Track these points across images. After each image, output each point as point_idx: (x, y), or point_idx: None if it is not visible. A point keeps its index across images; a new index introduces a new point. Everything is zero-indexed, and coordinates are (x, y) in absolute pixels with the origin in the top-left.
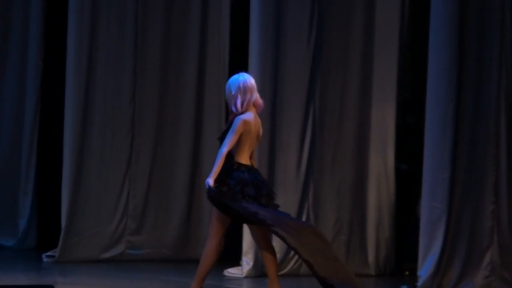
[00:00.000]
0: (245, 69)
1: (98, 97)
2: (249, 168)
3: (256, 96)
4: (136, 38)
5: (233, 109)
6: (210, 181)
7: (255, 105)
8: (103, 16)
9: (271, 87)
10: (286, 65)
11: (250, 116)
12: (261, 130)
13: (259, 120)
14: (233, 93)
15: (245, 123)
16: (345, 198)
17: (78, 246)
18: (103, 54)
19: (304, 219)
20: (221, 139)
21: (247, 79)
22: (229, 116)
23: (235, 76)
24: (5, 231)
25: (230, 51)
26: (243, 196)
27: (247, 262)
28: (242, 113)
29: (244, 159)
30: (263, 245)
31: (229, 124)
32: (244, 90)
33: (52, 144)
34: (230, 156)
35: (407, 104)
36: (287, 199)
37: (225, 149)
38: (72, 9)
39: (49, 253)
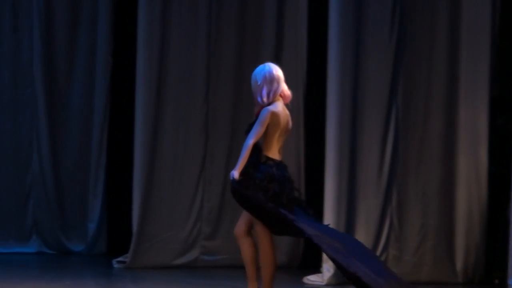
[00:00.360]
0: (324, 66)
1: (170, 95)
2: (277, 163)
3: (284, 86)
4: (209, 32)
5: (259, 100)
6: (235, 173)
7: (282, 96)
8: (175, 9)
9: (351, 85)
10: (367, 62)
11: (277, 107)
12: (290, 123)
13: (287, 112)
14: (258, 83)
15: (273, 114)
16: (431, 202)
17: (150, 251)
18: (175, 50)
19: (387, 224)
20: (247, 132)
21: (272, 68)
22: (255, 108)
23: (260, 66)
24: (74, 235)
25: (308, 47)
26: (267, 191)
27: (327, 269)
28: (268, 104)
29: (272, 152)
30: (242, 239)
31: (255, 116)
32: (271, 80)
33: (123, 143)
34: (258, 149)
35: (496, 103)
36: (369, 203)
37: (250, 141)
38: (142, 2)
39: (120, 259)
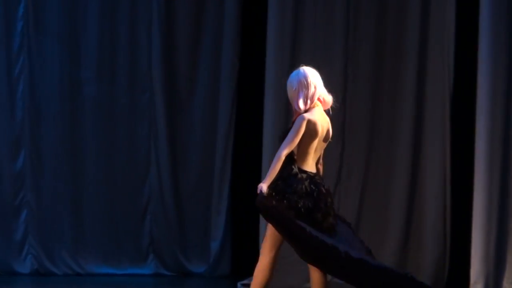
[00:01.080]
0: (473, 69)
1: None
2: (311, 176)
3: (322, 91)
4: (346, 33)
5: (296, 107)
6: (264, 186)
7: (321, 101)
8: (308, 10)
9: (504, 91)
10: None
11: (314, 114)
12: (330, 131)
13: (327, 118)
14: (294, 89)
15: (309, 122)
16: None
17: (278, 273)
18: (308, 53)
19: None
20: (281, 139)
21: (307, 73)
22: (293, 115)
23: (295, 71)
24: (196, 255)
25: (456, 47)
26: (298, 208)
27: None
28: (306, 111)
29: (307, 164)
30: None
31: (291, 124)
32: (307, 85)
33: (250, 155)
34: (291, 160)
35: None
36: None
37: (283, 151)
38: (273, 1)
39: (245, 281)
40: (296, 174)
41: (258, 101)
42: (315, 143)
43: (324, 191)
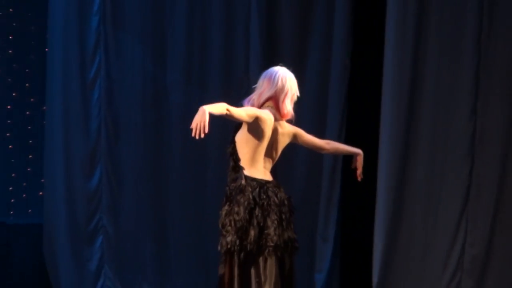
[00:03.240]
0: None
1: (426, 110)
2: (262, 184)
3: (287, 100)
4: (479, 31)
5: (246, 101)
6: (206, 110)
7: (280, 109)
8: (435, 4)
9: None
10: None
11: (270, 115)
12: (287, 139)
13: (287, 130)
14: (260, 83)
15: (261, 115)
16: None
17: None
18: (433, 53)
19: None
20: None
21: (281, 74)
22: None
23: (276, 68)
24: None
25: None
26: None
27: None
28: (260, 107)
29: (257, 171)
30: None
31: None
32: (269, 83)
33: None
34: (238, 167)
35: None
36: None
37: (230, 108)
38: None
39: None
40: (244, 186)
41: (371, 104)
42: (264, 145)
43: (277, 201)
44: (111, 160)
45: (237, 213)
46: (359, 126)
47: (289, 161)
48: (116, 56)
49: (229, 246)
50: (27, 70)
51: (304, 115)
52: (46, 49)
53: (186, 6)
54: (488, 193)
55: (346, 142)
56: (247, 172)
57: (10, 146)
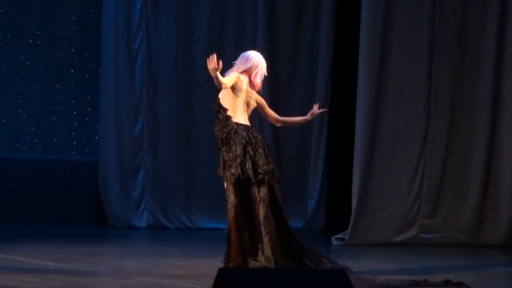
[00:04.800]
0: None
1: (392, 68)
2: (248, 128)
3: (258, 75)
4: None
5: (227, 72)
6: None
7: (251, 80)
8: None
9: None
10: None
11: (243, 78)
12: (257, 101)
13: (255, 96)
14: (238, 61)
15: (239, 78)
16: None
17: (369, 228)
18: (399, 21)
19: None
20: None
21: (258, 57)
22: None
23: (251, 51)
24: (294, 212)
25: None
26: (239, 156)
27: None
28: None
29: (241, 119)
30: None
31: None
32: (245, 61)
33: (344, 121)
34: (228, 117)
35: None
36: None
37: (222, 81)
38: None
39: (338, 236)
40: (236, 129)
41: (351, 71)
42: (242, 100)
43: (261, 139)
44: (150, 111)
45: (235, 150)
46: (340, 88)
47: (286, 113)
48: (154, 32)
49: (234, 176)
50: (86, 43)
51: (295, 83)
52: (101, 27)
53: None
54: (441, 137)
55: (330, 101)
56: (234, 119)
57: (72, 101)
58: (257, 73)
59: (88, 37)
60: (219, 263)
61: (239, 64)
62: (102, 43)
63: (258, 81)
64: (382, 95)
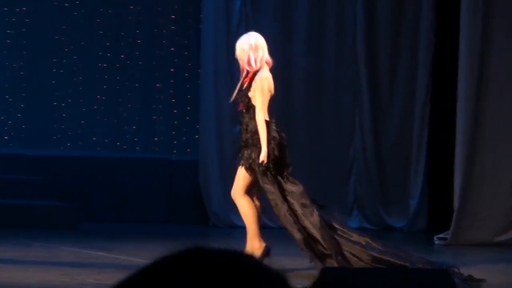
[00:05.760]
0: None
1: (493, 69)
2: (274, 126)
3: (267, 54)
4: None
5: (247, 67)
6: (265, 156)
7: (266, 62)
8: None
9: None
10: None
11: (268, 73)
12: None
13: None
14: (245, 51)
15: (267, 79)
16: None
17: (472, 228)
18: (502, 17)
19: None
20: (239, 99)
21: (257, 37)
22: (240, 74)
23: (245, 35)
24: (396, 211)
25: None
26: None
27: None
28: (258, 70)
29: (266, 115)
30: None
31: (249, 84)
32: (256, 47)
33: (445, 119)
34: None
35: None
36: None
37: (262, 116)
38: None
39: (440, 235)
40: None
41: (452, 70)
42: (269, 97)
43: (284, 137)
44: None
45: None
46: (442, 85)
47: (386, 111)
48: (254, 31)
49: (272, 169)
50: (186, 42)
51: (397, 79)
52: (200, 25)
53: None
54: None
55: (432, 97)
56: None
57: (173, 100)
58: (263, 54)
59: (187, 36)
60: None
61: (258, 53)
62: (201, 42)
63: (270, 59)
64: (483, 93)
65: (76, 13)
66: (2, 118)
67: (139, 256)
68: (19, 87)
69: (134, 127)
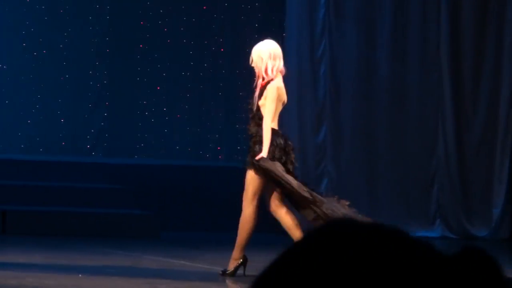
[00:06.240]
0: None
1: None
2: (279, 134)
3: (282, 63)
4: None
5: (264, 75)
6: (264, 155)
7: (280, 71)
8: None
9: None
10: None
11: (281, 82)
12: (286, 96)
13: (283, 85)
14: (263, 59)
15: (279, 89)
16: None
17: None
18: None
19: None
20: (253, 107)
21: (275, 45)
22: (256, 81)
23: (262, 43)
24: (478, 220)
25: None
26: (279, 160)
27: None
28: (272, 79)
29: (276, 124)
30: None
31: (260, 92)
32: (274, 56)
33: None
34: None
35: None
36: None
37: (269, 121)
38: None
39: None
40: (273, 133)
41: None
42: (280, 106)
43: (291, 144)
44: (333, 119)
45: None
46: None
47: (469, 119)
48: (337, 39)
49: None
50: None
51: (481, 86)
52: (284, 34)
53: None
54: None
55: None
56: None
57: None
58: (281, 59)
59: None
60: None
61: (274, 61)
62: (285, 50)
63: (283, 68)
64: None
65: (160, 22)
66: (84, 127)
67: (221, 265)
68: (102, 96)
69: (217, 135)
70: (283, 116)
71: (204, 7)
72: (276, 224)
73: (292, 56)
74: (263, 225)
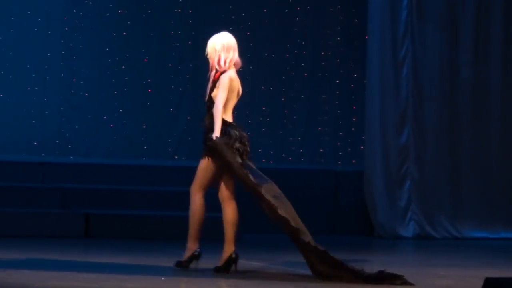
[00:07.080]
0: None
1: None
2: (234, 126)
3: (236, 56)
4: None
5: (217, 66)
6: (217, 134)
7: (235, 63)
8: None
9: None
10: None
11: (234, 73)
12: (241, 88)
13: (238, 78)
14: (216, 50)
15: (232, 80)
16: None
17: None
18: None
19: None
20: (208, 98)
21: (230, 38)
22: (209, 73)
23: (217, 35)
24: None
25: None
26: (237, 150)
27: None
28: (225, 71)
29: (228, 116)
30: (227, 202)
31: (213, 83)
32: (227, 48)
33: None
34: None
35: None
36: None
37: (221, 105)
38: None
39: None
40: (226, 125)
41: None
42: (234, 98)
43: (245, 135)
44: (416, 121)
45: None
46: None
47: (491, 112)
48: (420, 41)
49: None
50: (351, 53)
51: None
52: (366, 37)
53: (475, 1)
54: None
55: None
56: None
57: (338, 111)
58: (236, 50)
59: (353, 47)
60: (486, 273)
61: (229, 54)
62: (367, 53)
63: (239, 60)
64: None
65: (242, 25)
66: (166, 130)
67: (302, 267)
68: (184, 99)
69: (299, 138)
70: (367, 117)
71: (286, 10)
72: (266, 225)
73: (375, 58)
74: (251, 226)
